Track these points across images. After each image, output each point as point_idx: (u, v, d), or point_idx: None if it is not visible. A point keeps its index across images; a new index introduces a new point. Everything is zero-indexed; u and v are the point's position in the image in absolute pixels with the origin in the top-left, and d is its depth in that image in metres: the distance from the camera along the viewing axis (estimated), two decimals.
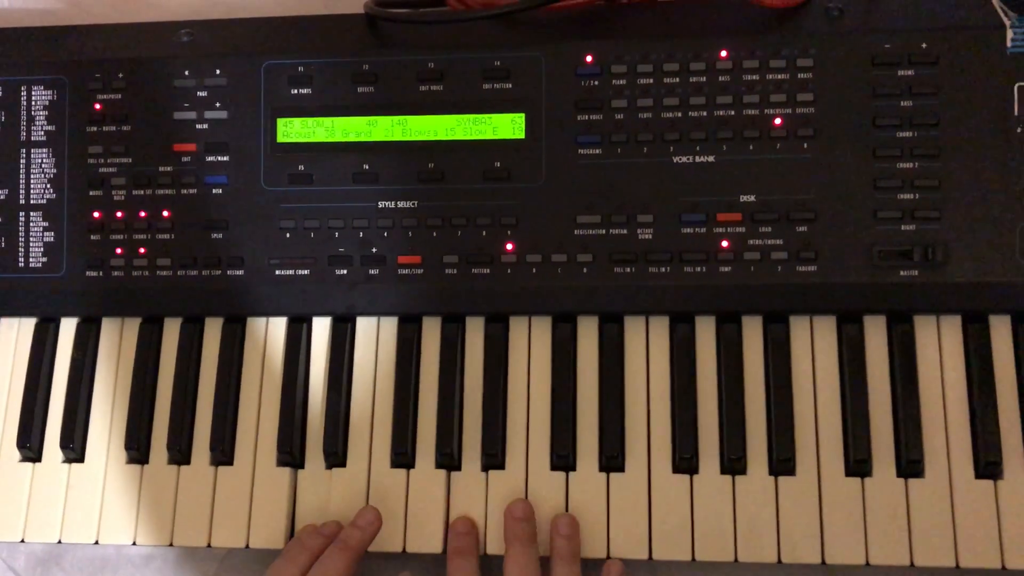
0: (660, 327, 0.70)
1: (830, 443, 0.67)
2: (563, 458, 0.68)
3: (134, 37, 0.76)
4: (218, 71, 0.73)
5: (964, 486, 0.66)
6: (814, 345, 0.69)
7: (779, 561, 0.66)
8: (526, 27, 0.72)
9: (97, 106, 0.74)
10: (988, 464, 0.65)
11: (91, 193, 0.74)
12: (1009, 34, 0.67)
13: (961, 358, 0.68)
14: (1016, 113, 0.67)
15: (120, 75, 0.74)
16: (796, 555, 0.66)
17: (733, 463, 0.67)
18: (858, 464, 0.66)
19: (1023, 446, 0.66)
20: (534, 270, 0.70)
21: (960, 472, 0.66)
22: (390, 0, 0.76)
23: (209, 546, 0.70)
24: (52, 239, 0.74)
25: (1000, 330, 0.68)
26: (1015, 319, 0.68)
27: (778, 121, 0.68)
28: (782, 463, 0.67)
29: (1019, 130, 0.67)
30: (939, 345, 0.68)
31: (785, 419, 0.67)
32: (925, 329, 0.68)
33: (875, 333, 0.69)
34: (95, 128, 0.74)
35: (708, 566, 0.67)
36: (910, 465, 0.66)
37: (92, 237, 0.74)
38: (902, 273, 0.67)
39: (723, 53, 0.69)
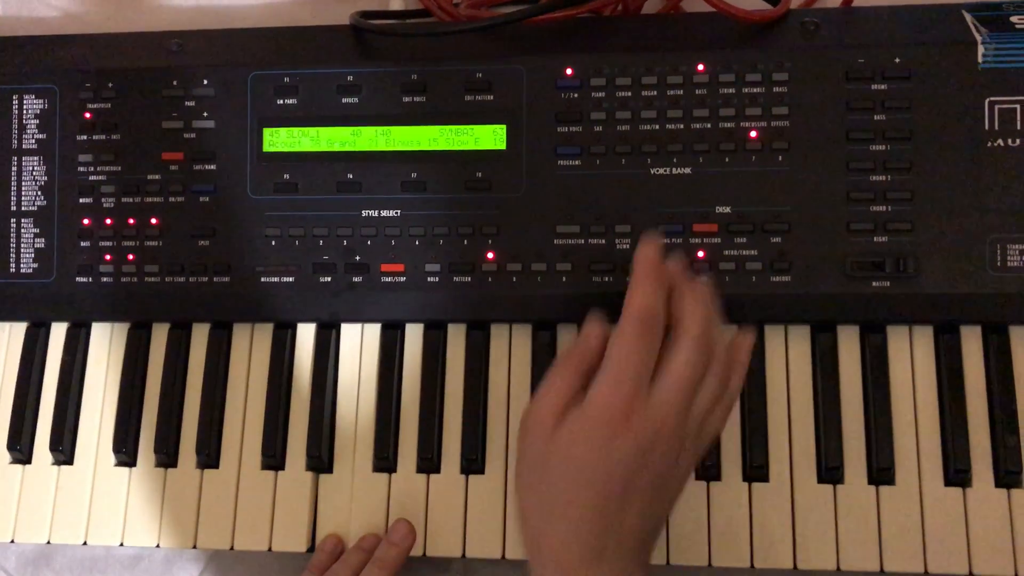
0: None
1: (803, 450, 0.68)
2: None
3: (124, 47, 0.77)
4: (206, 81, 0.75)
5: (933, 493, 0.67)
6: (788, 354, 0.70)
7: (752, 566, 0.67)
8: (508, 40, 0.73)
9: (87, 115, 0.75)
10: (957, 472, 0.66)
11: (81, 200, 0.75)
12: (980, 50, 0.68)
13: (933, 368, 0.69)
14: (987, 127, 0.67)
15: (110, 84, 0.75)
16: (769, 560, 0.67)
17: (708, 469, 0.68)
18: (830, 471, 0.67)
19: (991, 454, 0.67)
20: (514, 279, 0.71)
21: (930, 480, 0.67)
22: (375, 12, 0.78)
23: (195, 547, 0.72)
24: (43, 245, 0.75)
25: (971, 341, 0.69)
26: (986, 330, 0.69)
27: (754, 134, 0.69)
28: (756, 469, 0.68)
29: (990, 144, 0.68)
30: (911, 355, 0.69)
31: (759, 426, 0.68)
32: (897, 339, 0.69)
33: (848, 343, 0.70)
34: (85, 137, 0.75)
35: (683, 570, 0.68)
36: (881, 472, 0.67)
37: (82, 244, 0.75)
38: (874, 284, 0.68)
39: (700, 67, 0.70)
